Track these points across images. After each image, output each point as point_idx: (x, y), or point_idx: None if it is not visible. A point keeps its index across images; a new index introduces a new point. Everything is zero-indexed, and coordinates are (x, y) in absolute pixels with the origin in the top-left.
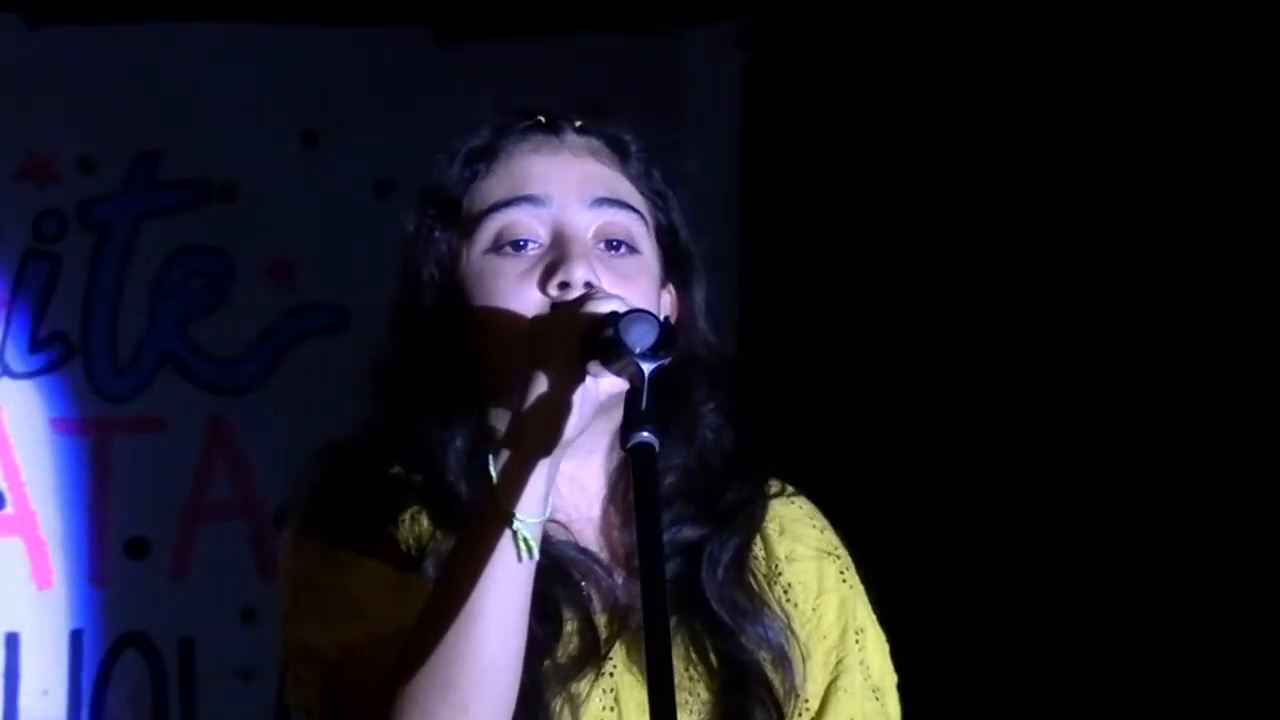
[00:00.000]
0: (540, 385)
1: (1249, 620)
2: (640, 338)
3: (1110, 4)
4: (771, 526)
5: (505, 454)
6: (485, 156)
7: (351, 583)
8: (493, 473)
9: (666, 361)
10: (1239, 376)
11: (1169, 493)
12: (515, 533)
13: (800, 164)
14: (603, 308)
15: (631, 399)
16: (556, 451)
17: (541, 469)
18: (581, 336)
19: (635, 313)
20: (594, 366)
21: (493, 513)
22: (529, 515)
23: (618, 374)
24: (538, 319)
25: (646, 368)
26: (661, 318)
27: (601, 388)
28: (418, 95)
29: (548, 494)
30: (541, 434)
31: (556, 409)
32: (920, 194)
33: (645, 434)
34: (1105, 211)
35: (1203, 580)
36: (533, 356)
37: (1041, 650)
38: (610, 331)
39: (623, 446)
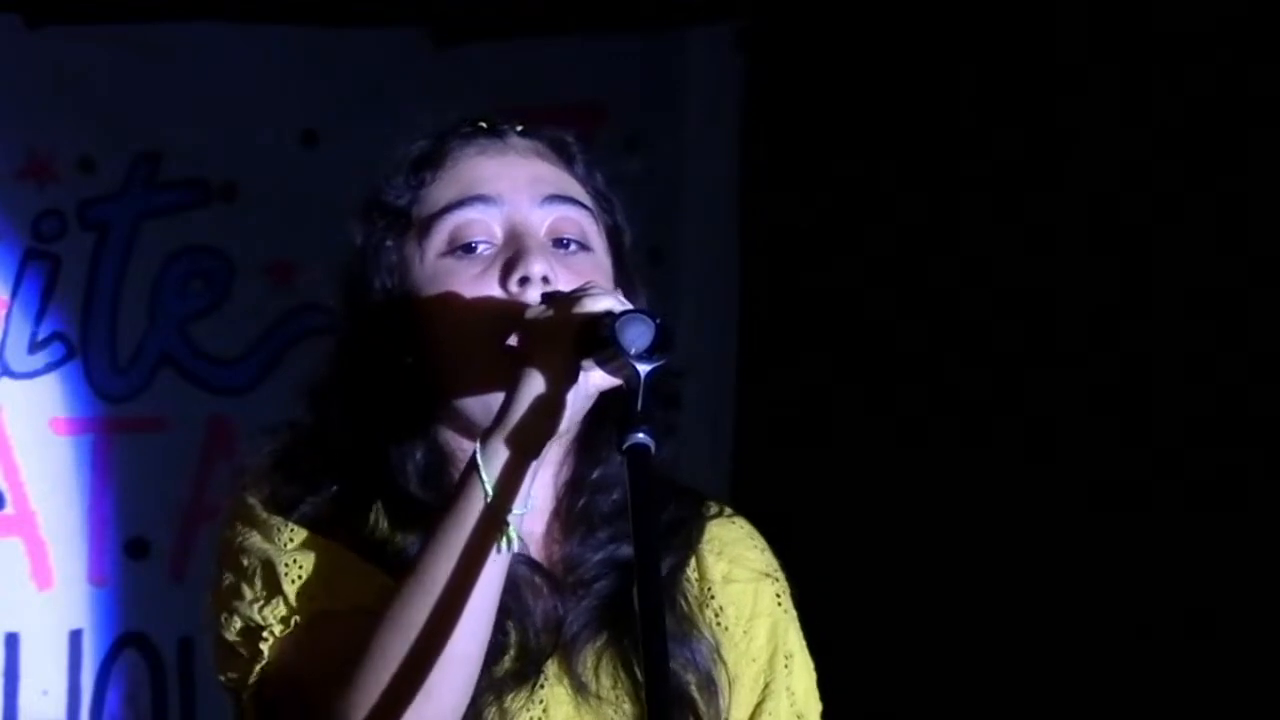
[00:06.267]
0: (535, 384)
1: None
2: (636, 338)
3: (1103, 14)
4: (708, 548)
5: (499, 450)
6: (431, 163)
7: (307, 561)
8: (480, 465)
9: (663, 363)
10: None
11: (1169, 501)
12: (502, 527)
13: (800, 165)
14: (598, 306)
15: (627, 400)
16: (545, 447)
17: (529, 464)
18: (576, 334)
19: (631, 313)
20: (586, 363)
21: (482, 508)
22: (515, 509)
23: (612, 373)
24: (531, 317)
25: (643, 369)
26: (657, 319)
27: (592, 381)
28: (417, 96)
29: (530, 487)
30: (535, 432)
31: (551, 407)
32: (920, 194)
33: (642, 435)
34: (1109, 212)
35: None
36: (527, 354)
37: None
38: (606, 331)
39: (618, 447)
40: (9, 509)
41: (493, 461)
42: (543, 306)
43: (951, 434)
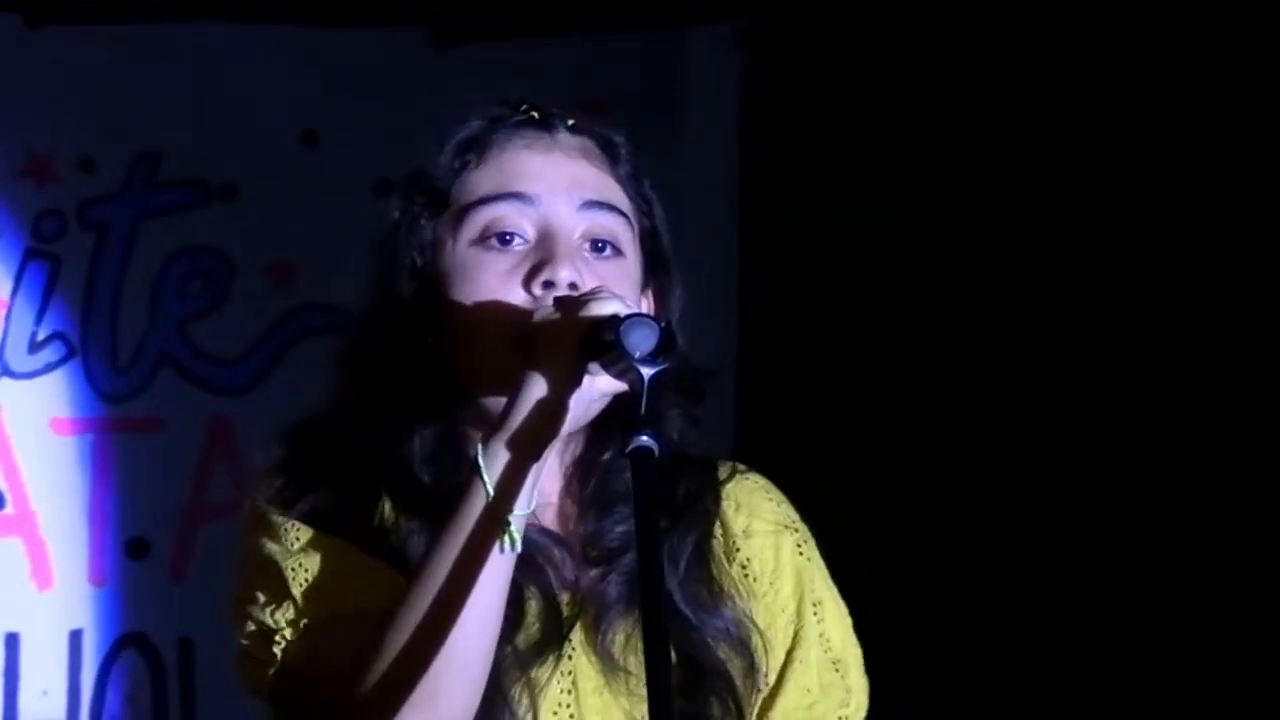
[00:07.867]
0: (538, 387)
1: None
2: (641, 342)
3: (1104, 11)
4: (726, 503)
5: (500, 452)
6: (476, 147)
7: (313, 562)
8: (482, 467)
9: (667, 367)
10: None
11: (1171, 492)
12: (504, 528)
13: (799, 164)
14: (604, 309)
15: (631, 403)
16: (548, 449)
17: (530, 466)
18: (581, 338)
19: (636, 317)
20: (592, 367)
21: (484, 509)
22: (518, 510)
23: (616, 376)
24: (539, 320)
25: (646, 373)
26: (662, 323)
27: (597, 386)
28: (417, 96)
29: (534, 488)
30: (537, 435)
31: (553, 411)
32: (919, 193)
33: (645, 438)
34: (1111, 209)
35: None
36: (531, 357)
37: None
38: (610, 335)
39: (622, 451)
40: (9, 509)
41: (494, 463)
42: (549, 309)
43: (953, 433)
